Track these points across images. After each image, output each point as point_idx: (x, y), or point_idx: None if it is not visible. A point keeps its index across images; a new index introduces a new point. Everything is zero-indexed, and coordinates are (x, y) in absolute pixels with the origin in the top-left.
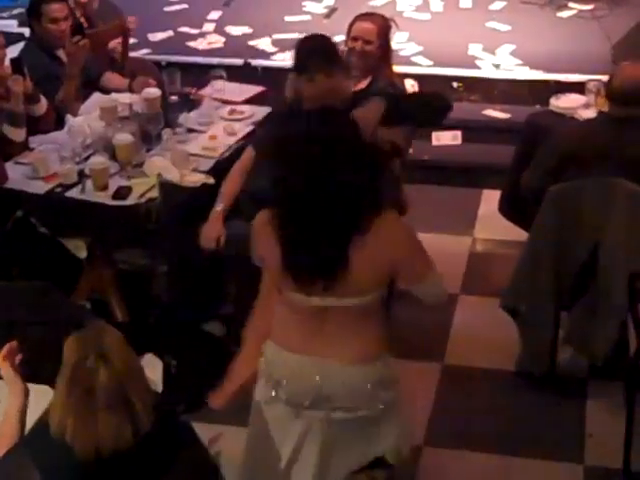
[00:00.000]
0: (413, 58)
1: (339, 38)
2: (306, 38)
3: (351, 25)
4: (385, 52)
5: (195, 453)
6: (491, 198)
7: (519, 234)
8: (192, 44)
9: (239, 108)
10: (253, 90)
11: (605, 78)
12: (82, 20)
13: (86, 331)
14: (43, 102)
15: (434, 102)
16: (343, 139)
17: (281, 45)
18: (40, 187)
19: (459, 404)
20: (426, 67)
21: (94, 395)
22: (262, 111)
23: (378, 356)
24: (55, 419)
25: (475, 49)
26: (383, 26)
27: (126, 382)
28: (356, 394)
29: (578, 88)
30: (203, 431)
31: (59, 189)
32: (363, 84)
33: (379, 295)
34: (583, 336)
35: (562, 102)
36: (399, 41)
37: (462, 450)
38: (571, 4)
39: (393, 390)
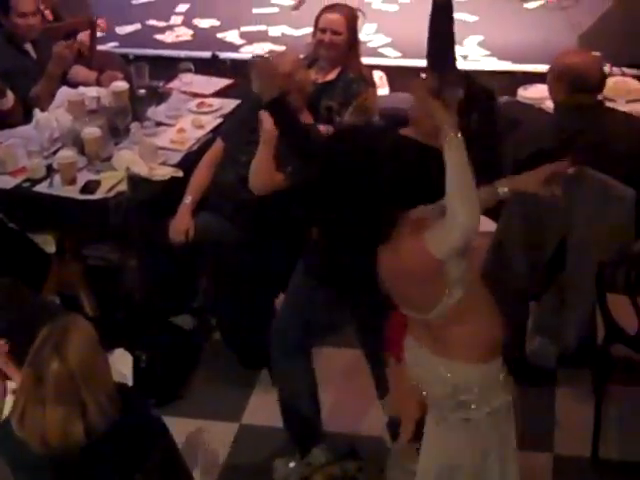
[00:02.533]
0: (381, 49)
1: (307, 30)
2: None
3: (318, 17)
4: (353, 43)
5: (165, 447)
6: None
7: (488, 225)
8: (160, 37)
9: (207, 101)
10: (221, 83)
11: None
12: (47, 13)
13: (58, 321)
14: (10, 96)
15: None
16: None
17: (249, 37)
18: (8, 182)
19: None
20: (394, 58)
21: (44, 383)
22: (230, 104)
23: None
24: (14, 401)
25: None
26: (350, 17)
27: (79, 380)
28: None
29: (545, 78)
30: (174, 425)
31: (27, 184)
32: (332, 75)
33: None
34: (553, 325)
35: (530, 92)
36: (367, 32)
37: None
38: None
39: None
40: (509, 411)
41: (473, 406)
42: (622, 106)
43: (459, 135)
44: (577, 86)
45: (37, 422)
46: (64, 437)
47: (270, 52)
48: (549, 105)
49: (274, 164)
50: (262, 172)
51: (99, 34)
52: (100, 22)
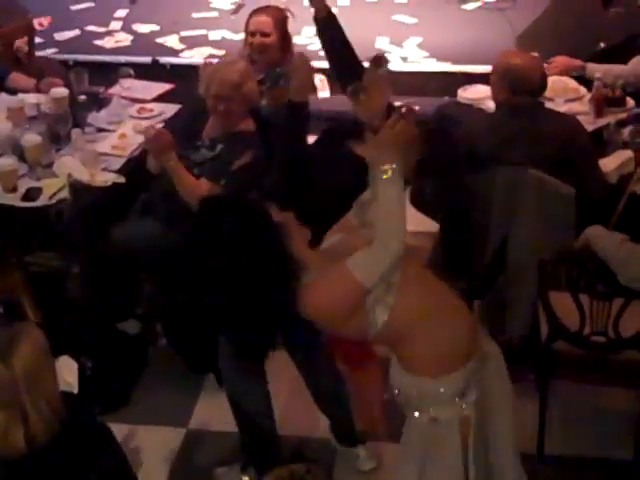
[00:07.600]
0: (321, 53)
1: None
2: None
3: (248, 21)
4: (285, 43)
5: (112, 454)
6: None
7: (431, 225)
8: (99, 42)
9: (148, 106)
10: (162, 88)
11: None
12: None
13: (6, 329)
14: None
15: None
16: None
17: (189, 42)
18: None
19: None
20: None
21: None
22: (171, 109)
23: None
24: None
25: (382, 42)
26: (279, 17)
27: (21, 388)
28: None
29: (484, 79)
30: (121, 431)
31: None
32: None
33: None
34: (497, 323)
35: (469, 93)
36: (308, 36)
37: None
38: None
39: None
40: (467, 426)
41: (416, 413)
42: (560, 105)
43: (394, 167)
44: (518, 87)
45: None
46: (4, 442)
47: (209, 57)
48: (489, 105)
49: (194, 179)
50: (189, 190)
51: (37, 39)
52: (42, 21)
